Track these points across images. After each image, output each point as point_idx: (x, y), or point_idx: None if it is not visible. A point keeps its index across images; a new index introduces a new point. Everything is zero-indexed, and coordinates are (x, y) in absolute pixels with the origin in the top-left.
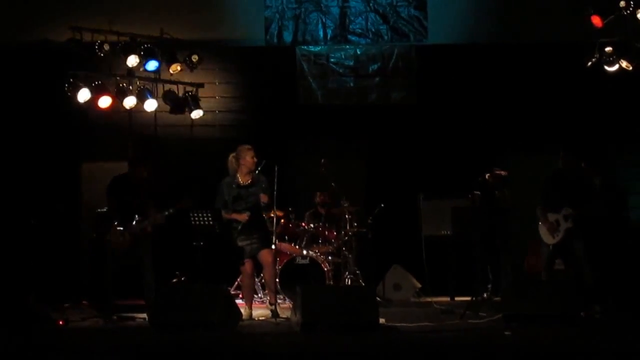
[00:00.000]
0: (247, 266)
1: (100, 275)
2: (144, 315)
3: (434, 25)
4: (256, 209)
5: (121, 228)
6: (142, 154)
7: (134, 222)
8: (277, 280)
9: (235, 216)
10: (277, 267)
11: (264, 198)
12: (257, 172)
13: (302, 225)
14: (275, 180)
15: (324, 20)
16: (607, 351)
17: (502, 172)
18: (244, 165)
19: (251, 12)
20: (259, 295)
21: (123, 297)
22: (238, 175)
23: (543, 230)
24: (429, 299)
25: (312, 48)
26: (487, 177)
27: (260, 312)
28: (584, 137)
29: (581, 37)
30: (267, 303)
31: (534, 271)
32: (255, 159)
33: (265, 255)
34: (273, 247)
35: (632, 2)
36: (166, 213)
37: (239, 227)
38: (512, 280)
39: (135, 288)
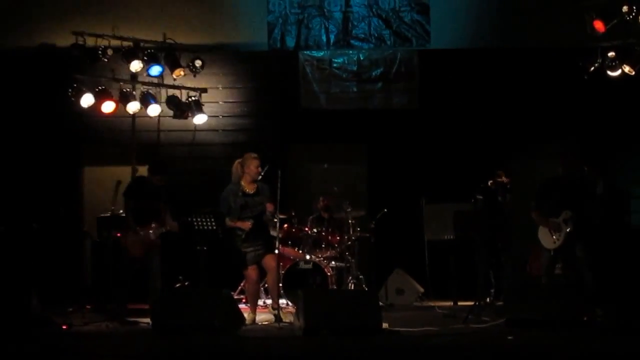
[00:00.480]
0: (252, 273)
1: (103, 279)
2: (147, 319)
3: (436, 30)
4: (260, 217)
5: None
6: (163, 162)
7: (151, 229)
8: (280, 284)
9: (239, 224)
10: (280, 272)
11: (269, 207)
12: (259, 180)
13: (305, 230)
14: (278, 184)
15: (326, 25)
16: (610, 355)
17: (504, 180)
18: (247, 174)
19: (254, 17)
20: (262, 300)
21: (135, 302)
22: (242, 183)
23: (543, 235)
24: (431, 303)
25: (314, 53)
26: (489, 184)
27: (263, 316)
28: (587, 141)
29: (584, 42)
30: (270, 307)
31: (536, 275)
32: (259, 169)
33: (269, 260)
34: (276, 252)
35: (634, 7)
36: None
37: (243, 235)
38: (514, 285)
39: (138, 292)
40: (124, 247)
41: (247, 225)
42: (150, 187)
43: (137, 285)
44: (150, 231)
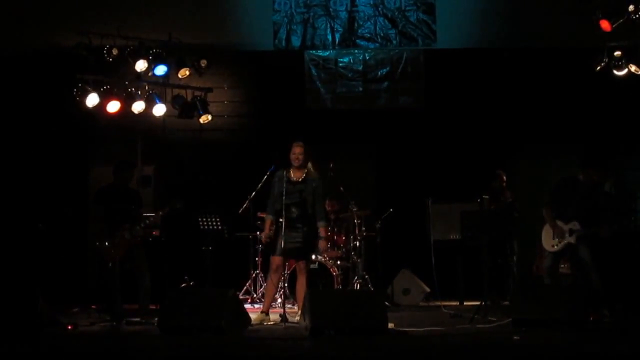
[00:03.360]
0: (278, 260)
1: (104, 280)
2: (155, 319)
3: (442, 30)
4: (302, 209)
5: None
6: (125, 160)
7: (124, 229)
8: (286, 284)
9: (266, 230)
10: (286, 272)
11: (322, 245)
12: (311, 169)
13: None
14: (284, 185)
15: (332, 24)
16: (616, 356)
17: (503, 183)
18: (291, 159)
19: (260, 17)
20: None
21: (131, 302)
22: (291, 170)
23: (546, 235)
24: (437, 303)
25: (320, 52)
26: (492, 186)
27: (268, 316)
28: (593, 141)
29: (590, 42)
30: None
31: (542, 275)
32: (295, 154)
33: (302, 264)
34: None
35: None
36: (161, 213)
37: (282, 223)
38: (520, 285)
39: (128, 292)
40: (101, 254)
41: (264, 235)
42: (120, 190)
43: (127, 286)
44: (124, 232)
